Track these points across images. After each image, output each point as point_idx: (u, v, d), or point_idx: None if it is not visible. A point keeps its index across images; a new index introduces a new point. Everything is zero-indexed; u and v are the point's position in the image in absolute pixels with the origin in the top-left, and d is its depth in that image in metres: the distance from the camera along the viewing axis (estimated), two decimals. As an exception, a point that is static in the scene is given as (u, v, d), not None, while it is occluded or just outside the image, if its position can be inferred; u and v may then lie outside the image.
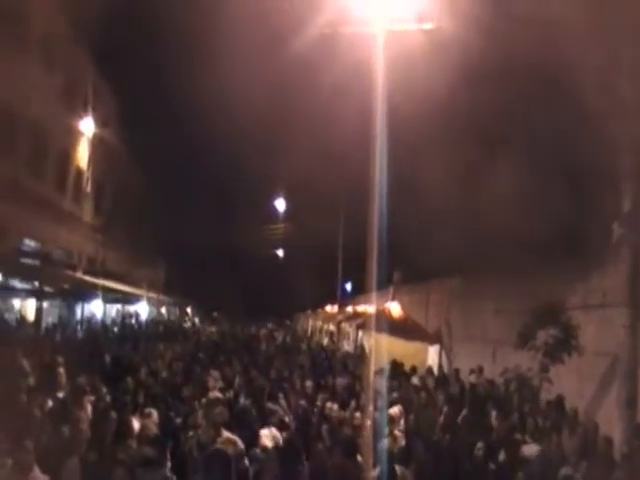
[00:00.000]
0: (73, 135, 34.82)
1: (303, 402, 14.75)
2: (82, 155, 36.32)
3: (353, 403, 15.20)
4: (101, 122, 37.40)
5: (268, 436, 11.87)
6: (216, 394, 13.68)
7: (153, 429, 10.51)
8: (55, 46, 29.82)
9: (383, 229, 14.77)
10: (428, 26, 15.04)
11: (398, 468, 10.22)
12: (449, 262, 26.56)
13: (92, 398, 12.64)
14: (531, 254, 18.85)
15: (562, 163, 17.46)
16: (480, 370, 19.93)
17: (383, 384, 19.79)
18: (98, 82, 37.34)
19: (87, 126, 35.83)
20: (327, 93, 21.55)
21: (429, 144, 21.68)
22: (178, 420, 12.48)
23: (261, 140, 38.20)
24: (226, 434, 9.99)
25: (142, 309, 38.50)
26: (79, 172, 36.11)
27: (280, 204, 54.64)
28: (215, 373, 17.20)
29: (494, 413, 14.31)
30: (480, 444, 11.70)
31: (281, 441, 11.33)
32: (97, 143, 37.32)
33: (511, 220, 19.85)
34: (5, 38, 24.27)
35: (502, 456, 11.49)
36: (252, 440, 11.43)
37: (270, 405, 13.52)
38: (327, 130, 25.95)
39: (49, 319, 25.69)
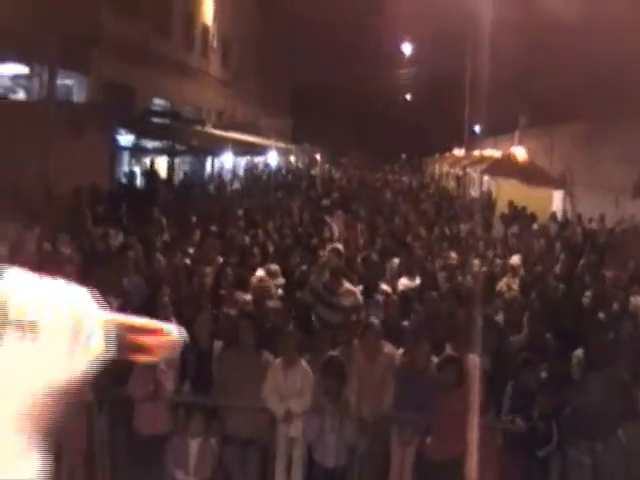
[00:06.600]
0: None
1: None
2: (207, 12, 36.66)
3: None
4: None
5: (403, 283, 12.40)
6: (335, 245, 13.95)
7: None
8: None
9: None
10: None
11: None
12: (576, 106, 25.97)
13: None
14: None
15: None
16: (601, 218, 19.95)
17: (503, 230, 20.25)
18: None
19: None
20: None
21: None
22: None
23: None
24: (346, 285, 10.42)
25: (272, 159, 39.45)
26: (205, 29, 36.41)
27: (407, 48, 53.53)
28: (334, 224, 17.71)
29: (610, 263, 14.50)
30: (588, 293, 12.00)
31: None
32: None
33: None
34: None
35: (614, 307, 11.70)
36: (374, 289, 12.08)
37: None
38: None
39: (180, 175, 26.48)
